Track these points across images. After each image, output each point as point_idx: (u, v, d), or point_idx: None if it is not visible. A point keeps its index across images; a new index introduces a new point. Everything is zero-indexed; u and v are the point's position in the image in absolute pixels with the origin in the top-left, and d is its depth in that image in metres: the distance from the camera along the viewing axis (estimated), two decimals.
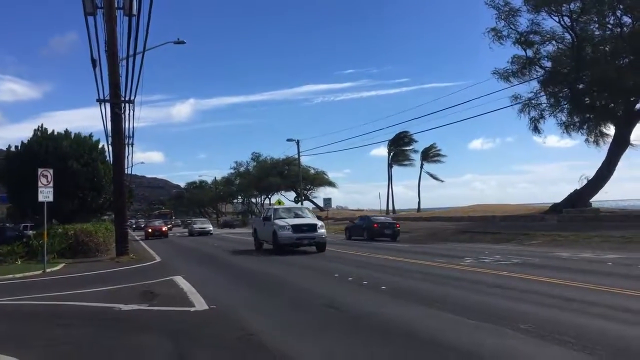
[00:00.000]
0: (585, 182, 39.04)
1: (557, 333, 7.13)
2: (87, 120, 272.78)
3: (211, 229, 53.06)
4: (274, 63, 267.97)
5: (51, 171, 19.64)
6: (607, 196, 42.36)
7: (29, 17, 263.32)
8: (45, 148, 31.48)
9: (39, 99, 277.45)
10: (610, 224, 28.89)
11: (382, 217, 39.68)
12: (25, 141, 33.47)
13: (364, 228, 34.24)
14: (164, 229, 49.70)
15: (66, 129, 34.72)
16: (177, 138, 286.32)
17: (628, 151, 38.08)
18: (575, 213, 35.10)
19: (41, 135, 33.34)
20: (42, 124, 34.32)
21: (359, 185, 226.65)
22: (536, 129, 39.59)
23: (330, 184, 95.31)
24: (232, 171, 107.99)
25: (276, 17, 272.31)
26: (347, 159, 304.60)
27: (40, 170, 19.36)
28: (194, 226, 53.72)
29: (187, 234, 54.74)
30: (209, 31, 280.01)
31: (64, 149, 31.74)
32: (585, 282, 11.72)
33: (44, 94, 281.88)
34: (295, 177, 75.38)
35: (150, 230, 48.94)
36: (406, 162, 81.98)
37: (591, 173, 39.05)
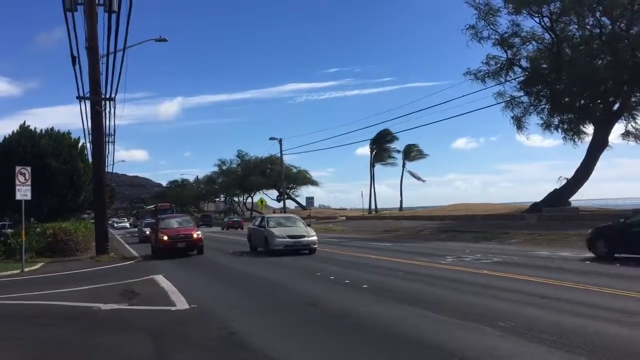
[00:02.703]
0: (564, 182, 39.55)
1: (536, 331, 7.22)
2: (69, 117, 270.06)
3: (314, 239, 22.31)
4: (257, 61, 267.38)
5: (29, 169, 19.37)
6: (586, 195, 42.95)
7: (8, 13, 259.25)
8: (24, 146, 31.06)
9: (19, 96, 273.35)
10: (589, 223, 29.22)
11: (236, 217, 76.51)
12: (4, 139, 33.04)
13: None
14: (195, 235, 23.54)
15: (52, 127, 34.34)
16: (162, 136, 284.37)
17: (608, 151, 38.65)
18: (555, 212, 35.52)
19: (20, 132, 32.88)
20: (24, 122, 33.89)
21: (342, 184, 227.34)
22: (519, 126, 40.00)
23: (313, 182, 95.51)
24: (216, 169, 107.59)
25: (260, 15, 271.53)
26: (331, 157, 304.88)
27: (17, 168, 19.08)
28: (274, 232, 22.17)
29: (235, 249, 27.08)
30: (192, 29, 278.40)
31: (42, 147, 31.34)
32: (564, 281, 11.88)
33: (24, 91, 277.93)
34: (278, 175, 75.34)
35: (165, 238, 22.69)
36: (388, 161, 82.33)
37: (571, 173, 39.58)
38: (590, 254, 17.41)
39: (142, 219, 53.84)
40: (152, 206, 71.80)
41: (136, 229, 53.95)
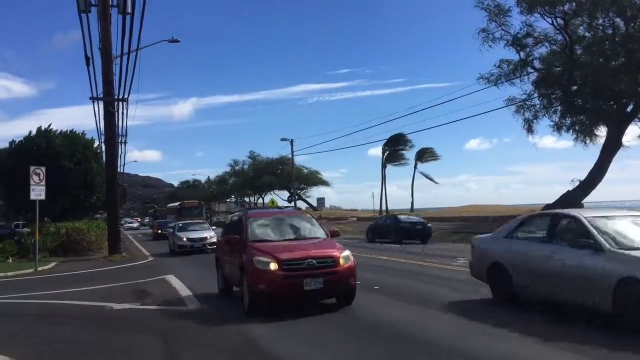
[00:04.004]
0: (576, 184, 39.23)
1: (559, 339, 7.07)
2: (83, 118, 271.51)
3: None
4: (268, 62, 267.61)
5: (43, 169, 19.58)
6: (599, 197, 42.66)
7: (23, 15, 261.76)
8: (38, 146, 31.34)
9: (34, 96, 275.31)
10: None
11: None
12: (20, 139, 33.39)
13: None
14: (341, 258, 9.62)
15: (72, 129, 34.67)
16: (175, 136, 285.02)
17: (620, 153, 38.33)
18: None
19: (36, 133, 33.19)
20: (50, 124, 34.22)
21: (353, 185, 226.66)
22: (530, 130, 39.75)
23: (324, 183, 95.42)
24: (229, 169, 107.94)
25: (272, 16, 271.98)
26: (343, 158, 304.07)
27: (32, 168, 19.30)
28: None
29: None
30: (204, 30, 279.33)
31: (56, 147, 31.59)
32: None
33: (39, 92, 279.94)
34: (289, 176, 75.39)
35: (273, 267, 9.17)
36: (400, 162, 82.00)
37: (584, 174, 39.25)
38: None
39: (161, 219, 48.25)
40: (177, 204, 58.85)
41: (150, 230, 48.20)
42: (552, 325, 7.72)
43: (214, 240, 22.66)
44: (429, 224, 31.57)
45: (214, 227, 26.73)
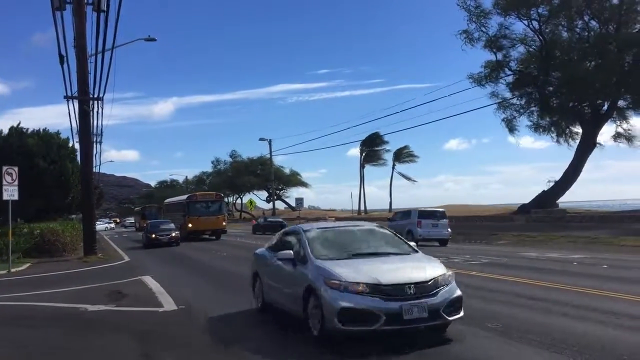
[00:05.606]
0: (552, 184, 39.84)
1: (524, 332, 7.24)
2: (58, 117, 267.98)
3: None
4: (248, 62, 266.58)
5: (16, 169, 19.23)
6: (575, 197, 43.51)
7: None
8: (11, 145, 30.78)
9: (9, 95, 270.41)
10: (577, 224, 29.51)
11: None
12: None
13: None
14: None
15: (45, 128, 34.11)
16: (153, 136, 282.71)
17: (596, 153, 39.05)
18: (543, 214, 35.73)
19: (8, 133, 32.60)
20: (19, 122, 33.66)
21: (332, 185, 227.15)
22: (511, 129, 40.40)
23: (303, 184, 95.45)
24: (211, 168, 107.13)
25: (250, 16, 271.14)
26: (323, 158, 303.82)
27: (4, 168, 18.94)
28: None
29: None
30: (182, 29, 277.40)
31: (30, 147, 31.06)
32: (551, 282, 11.93)
33: (14, 90, 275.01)
34: (269, 176, 75.33)
35: None
36: (378, 162, 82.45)
37: (560, 174, 39.88)
38: (579, 255, 17.83)
39: (153, 219, 41.58)
40: (184, 197, 43.72)
41: (141, 233, 37.80)
42: None
43: (459, 294, 7.31)
44: (285, 222, 42.13)
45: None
